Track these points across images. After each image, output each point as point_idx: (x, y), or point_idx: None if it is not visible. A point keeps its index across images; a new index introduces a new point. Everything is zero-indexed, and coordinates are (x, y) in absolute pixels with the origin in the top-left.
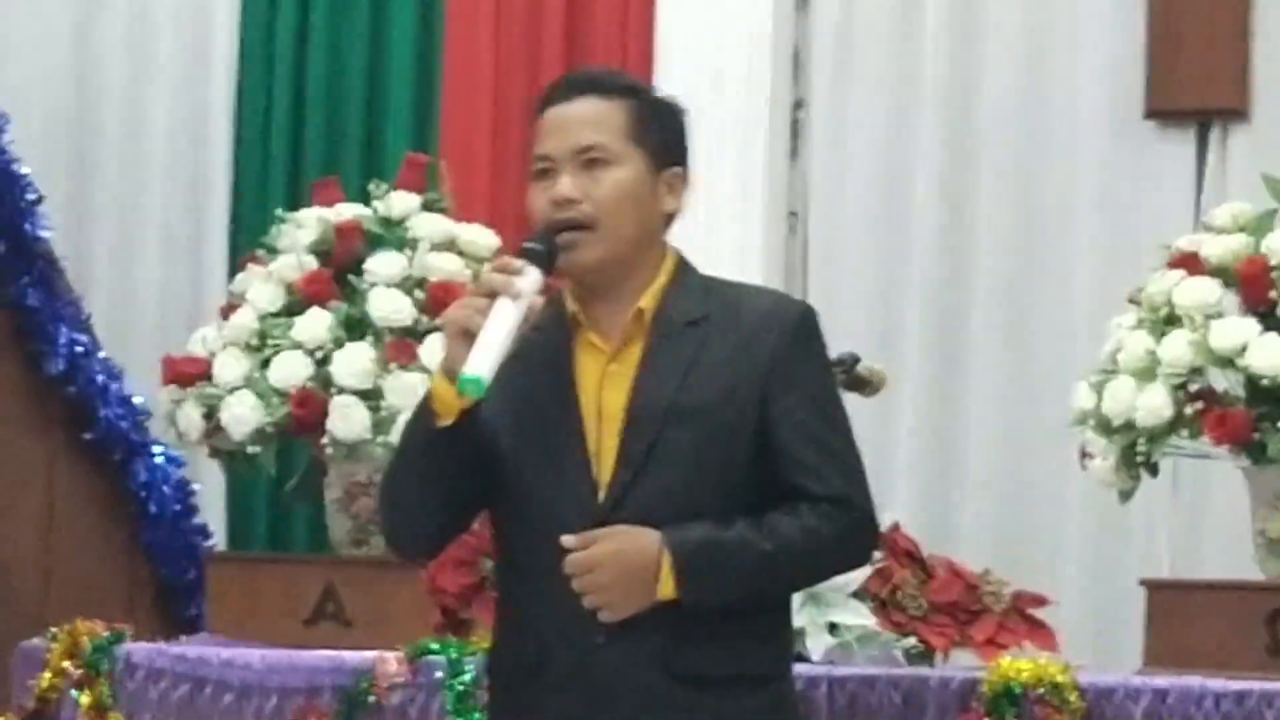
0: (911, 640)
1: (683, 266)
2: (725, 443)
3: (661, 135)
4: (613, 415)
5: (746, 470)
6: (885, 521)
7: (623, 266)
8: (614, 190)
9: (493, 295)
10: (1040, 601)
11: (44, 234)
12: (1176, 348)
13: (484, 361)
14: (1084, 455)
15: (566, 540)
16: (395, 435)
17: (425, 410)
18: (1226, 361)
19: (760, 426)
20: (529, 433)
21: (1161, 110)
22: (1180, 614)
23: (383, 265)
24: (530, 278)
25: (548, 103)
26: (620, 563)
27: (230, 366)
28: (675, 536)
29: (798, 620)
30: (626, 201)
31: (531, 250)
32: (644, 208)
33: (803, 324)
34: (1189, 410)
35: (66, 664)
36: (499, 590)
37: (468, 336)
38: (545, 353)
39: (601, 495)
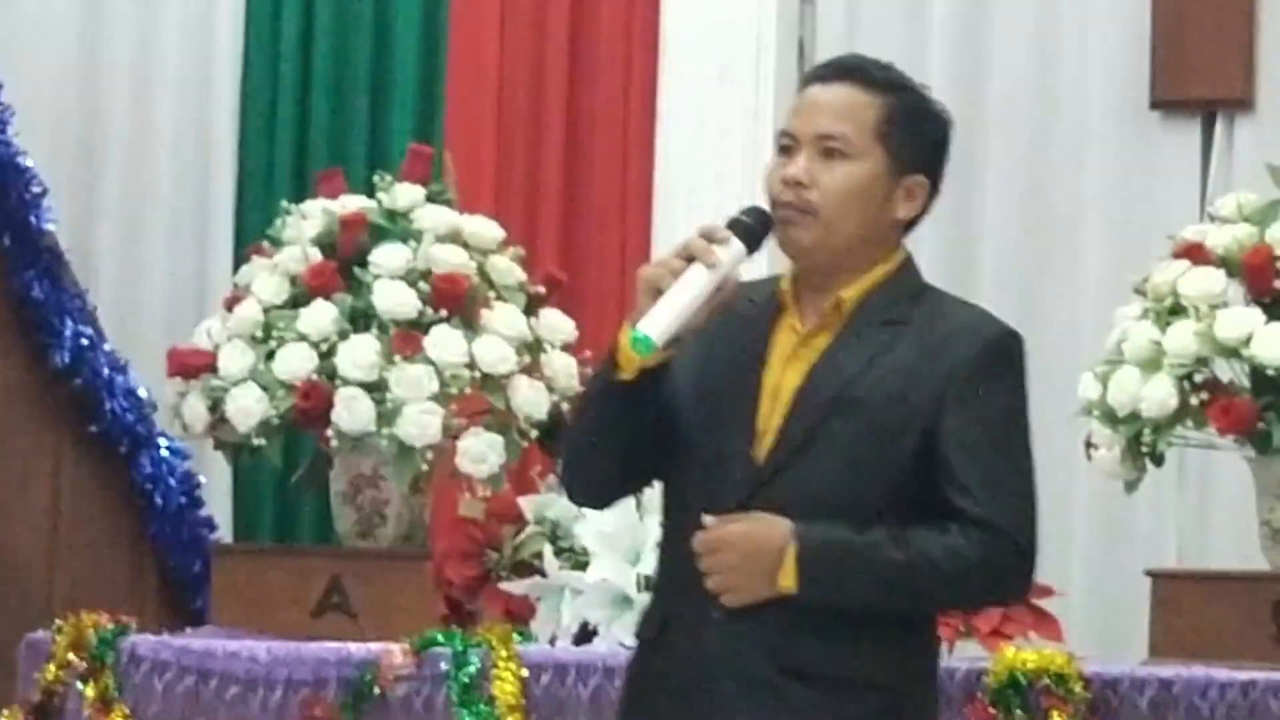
0: None
1: (906, 269)
2: (885, 444)
3: (912, 140)
4: (785, 398)
5: (909, 477)
6: None
7: (836, 259)
8: (843, 184)
9: (691, 259)
10: (1046, 592)
11: (49, 226)
12: (1182, 338)
13: (658, 323)
14: (1089, 446)
15: (707, 520)
16: (400, 427)
17: (609, 361)
18: (1232, 351)
19: (929, 436)
20: (707, 402)
21: (1167, 100)
22: (1186, 604)
23: (387, 257)
24: (732, 249)
25: (811, 79)
26: (746, 546)
27: (235, 359)
28: (806, 530)
29: None
30: (854, 198)
31: (740, 223)
32: (871, 208)
33: (996, 345)
34: (1194, 400)
35: (72, 656)
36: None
37: (658, 294)
38: (747, 326)
39: (753, 474)
